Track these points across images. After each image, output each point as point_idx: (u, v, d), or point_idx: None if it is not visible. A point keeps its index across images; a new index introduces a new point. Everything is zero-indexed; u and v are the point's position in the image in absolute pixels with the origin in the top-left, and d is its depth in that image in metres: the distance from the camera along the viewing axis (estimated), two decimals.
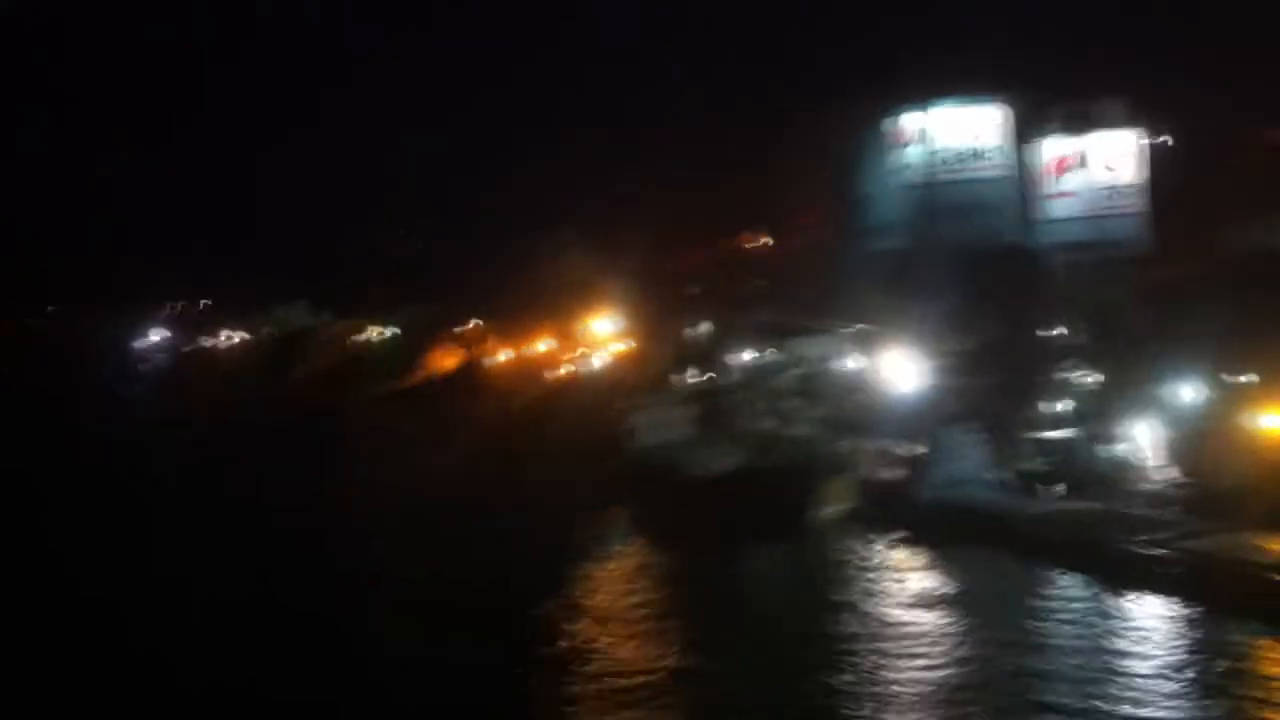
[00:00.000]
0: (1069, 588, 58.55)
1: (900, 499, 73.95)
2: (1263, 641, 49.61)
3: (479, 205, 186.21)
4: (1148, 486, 67.12)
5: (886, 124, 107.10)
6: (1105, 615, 54.94)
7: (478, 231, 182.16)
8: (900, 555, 68.21)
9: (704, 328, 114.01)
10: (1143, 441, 68.66)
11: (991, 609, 57.03)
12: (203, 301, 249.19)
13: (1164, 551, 57.74)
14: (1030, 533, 64.59)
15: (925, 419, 78.97)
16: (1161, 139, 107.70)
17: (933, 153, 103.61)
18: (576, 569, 68.08)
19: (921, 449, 75.09)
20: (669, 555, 71.71)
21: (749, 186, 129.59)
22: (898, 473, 76.89)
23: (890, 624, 55.86)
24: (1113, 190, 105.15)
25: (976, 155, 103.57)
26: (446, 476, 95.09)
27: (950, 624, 55.58)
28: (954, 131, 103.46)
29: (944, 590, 60.73)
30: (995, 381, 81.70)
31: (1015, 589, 59.32)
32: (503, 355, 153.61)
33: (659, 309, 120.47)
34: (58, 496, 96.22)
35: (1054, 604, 56.87)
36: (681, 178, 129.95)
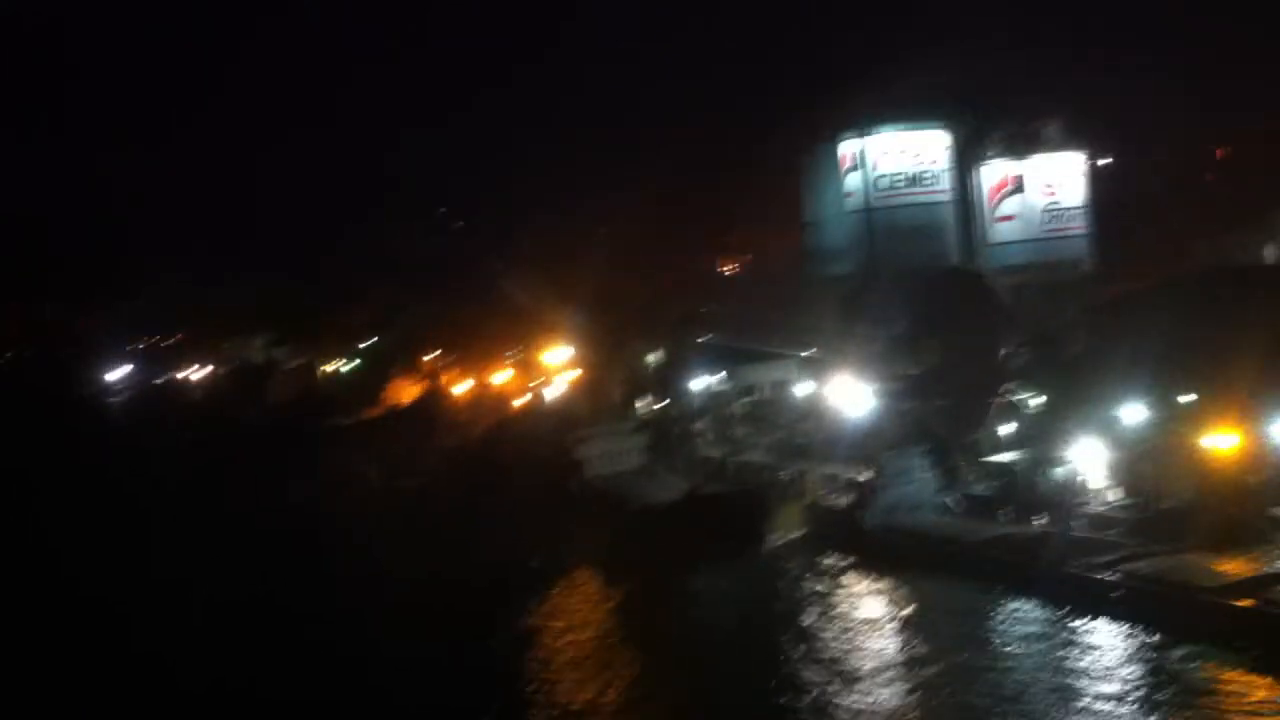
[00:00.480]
0: (1017, 613, 58.73)
1: (849, 525, 73.90)
2: (1208, 665, 49.81)
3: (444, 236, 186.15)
4: (1093, 509, 67.32)
5: (832, 149, 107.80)
6: (1053, 641, 55.14)
7: (444, 265, 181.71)
8: (849, 582, 68.43)
9: (657, 354, 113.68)
10: (1088, 463, 68.84)
11: (940, 636, 57.27)
12: (177, 336, 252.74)
13: (1110, 575, 57.81)
14: (978, 557, 64.66)
15: (872, 444, 79.01)
16: (1105, 160, 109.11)
17: (874, 178, 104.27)
18: (521, 601, 67.63)
19: (869, 474, 74.93)
20: (617, 586, 71.22)
21: (710, 214, 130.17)
22: (846, 498, 76.83)
23: (838, 653, 55.75)
24: (1053, 213, 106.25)
25: (917, 180, 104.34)
26: (394, 508, 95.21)
27: (899, 651, 55.78)
28: (895, 156, 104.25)
29: (893, 617, 60.94)
30: (942, 405, 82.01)
31: (964, 615, 59.58)
32: (464, 385, 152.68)
33: (616, 336, 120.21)
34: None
35: (1002, 630, 57.08)
36: (644, 207, 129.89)
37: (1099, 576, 58.19)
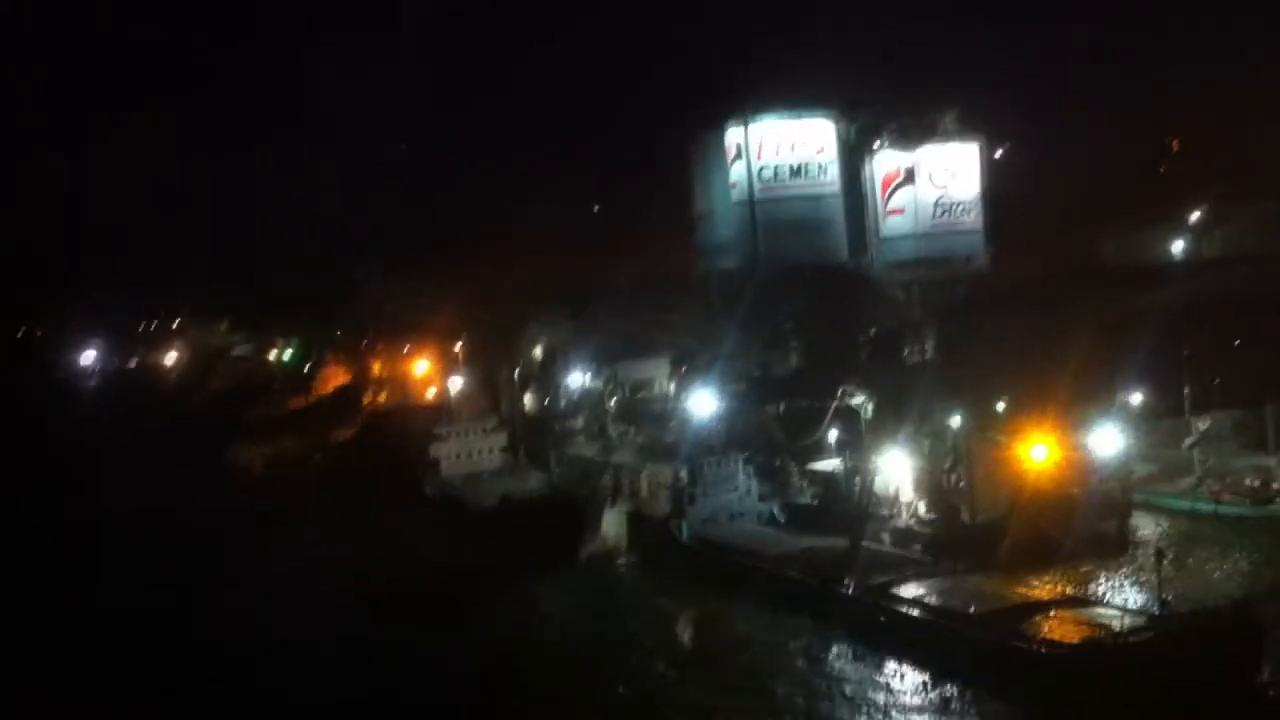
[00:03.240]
0: (788, 635, 55.40)
1: (665, 534, 70.47)
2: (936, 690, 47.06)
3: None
4: (903, 522, 63.65)
5: (720, 137, 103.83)
6: (810, 664, 51.85)
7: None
8: (647, 599, 64.79)
9: (539, 351, 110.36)
10: (900, 474, 65.17)
11: (710, 658, 54.15)
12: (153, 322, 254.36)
13: (880, 599, 54.30)
14: (770, 574, 61.16)
15: (709, 448, 75.52)
16: (1000, 151, 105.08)
17: (757, 168, 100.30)
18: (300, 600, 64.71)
19: (693, 480, 71.48)
20: (424, 591, 67.60)
21: (607, 205, 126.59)
22: (671, 505, 73.31)
23: (614, 680, 52.51)
24: (945, 206, 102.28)
25: (801, 171, 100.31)
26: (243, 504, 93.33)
27: (671, 677, 52.56)
28: (778, 146, 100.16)
29: (677, 640, 57.41)
30: (783, 409, 78.59)
31: (739, 638, 56.20)
32: (385, 377, 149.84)
33: (507, 332, 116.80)
34: None
35: (769, 654, 53.78)
36: (540, 204, 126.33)
37: (870, 599, 54.56)
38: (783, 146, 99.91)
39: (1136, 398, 66.15)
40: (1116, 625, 46.30)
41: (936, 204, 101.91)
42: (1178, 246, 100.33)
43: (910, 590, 54.51)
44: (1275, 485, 67.90)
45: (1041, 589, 54.98)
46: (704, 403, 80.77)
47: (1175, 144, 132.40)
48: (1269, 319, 67.20)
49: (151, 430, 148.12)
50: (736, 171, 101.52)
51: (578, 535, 72.39)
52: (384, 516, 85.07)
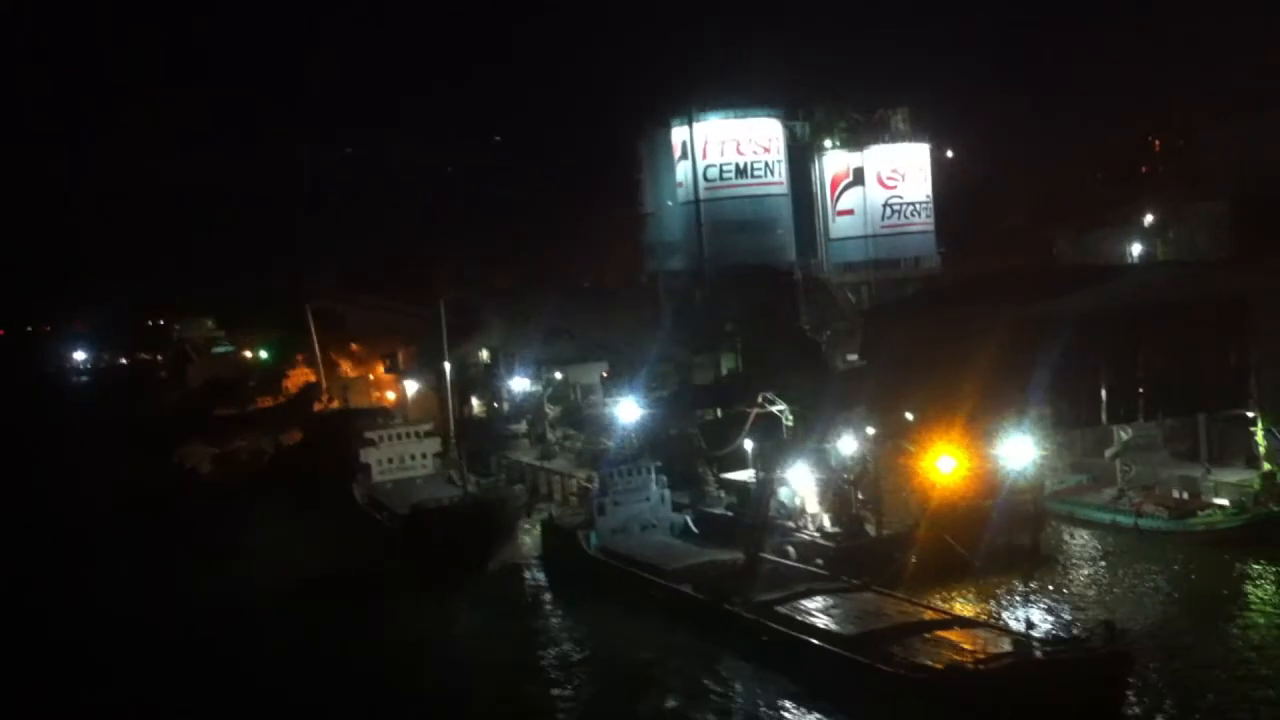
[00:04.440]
0: (671, 654, 53.19)
1: (575, 546, 68.50)
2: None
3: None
4: (808, 535, 61.58)
5: (668, 136, 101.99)
6: (683, 684, 49.78)
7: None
8: (547, 611, 63.08)
9: (485, 354, 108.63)
10: (807, 485, 63.09)
11: (594, 678, 52.48)
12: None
13: (765, 617, 52.25)
14: (666, 589, 59.05)
15: (627, 456, 73.56)
16: (950, 151, 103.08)
17: (702, 168, 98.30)
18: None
19: (603, 489, 69.48)
20: (326, 601, 65.96)
21: (561, 204, 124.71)
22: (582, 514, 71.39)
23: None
24: (895, 207, 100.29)
25: (746, 170, 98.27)
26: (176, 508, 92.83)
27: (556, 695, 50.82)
28: (723, 145, 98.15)
29: (567, 657, 55.50)
30: (708, 416, 76.68)
31: (627, 656, 54.20)
32: (356, 377, 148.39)
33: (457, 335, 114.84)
34: None
35: (640, 674, 51.58)
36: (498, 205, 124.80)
37: (754, 616, 52.50)
38: (728, 146, 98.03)
39: (1058, 405, 63.58)
40: (990, 648, 44.16)
41: (886, 204, 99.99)
42: (1135, 248, 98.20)
43: (796, 608, 52.33)
44: (1200, 497, 65.40)
45: (937, 607, 52.80)
46: (629, 409, 78.82)
47: (1158, 143, 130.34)
48: (1203, 324, 64.64)
49: (119, 426, 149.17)
50: (682, 171, 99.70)
51: (488, 544, 70.26)
52: (307, 522, 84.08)
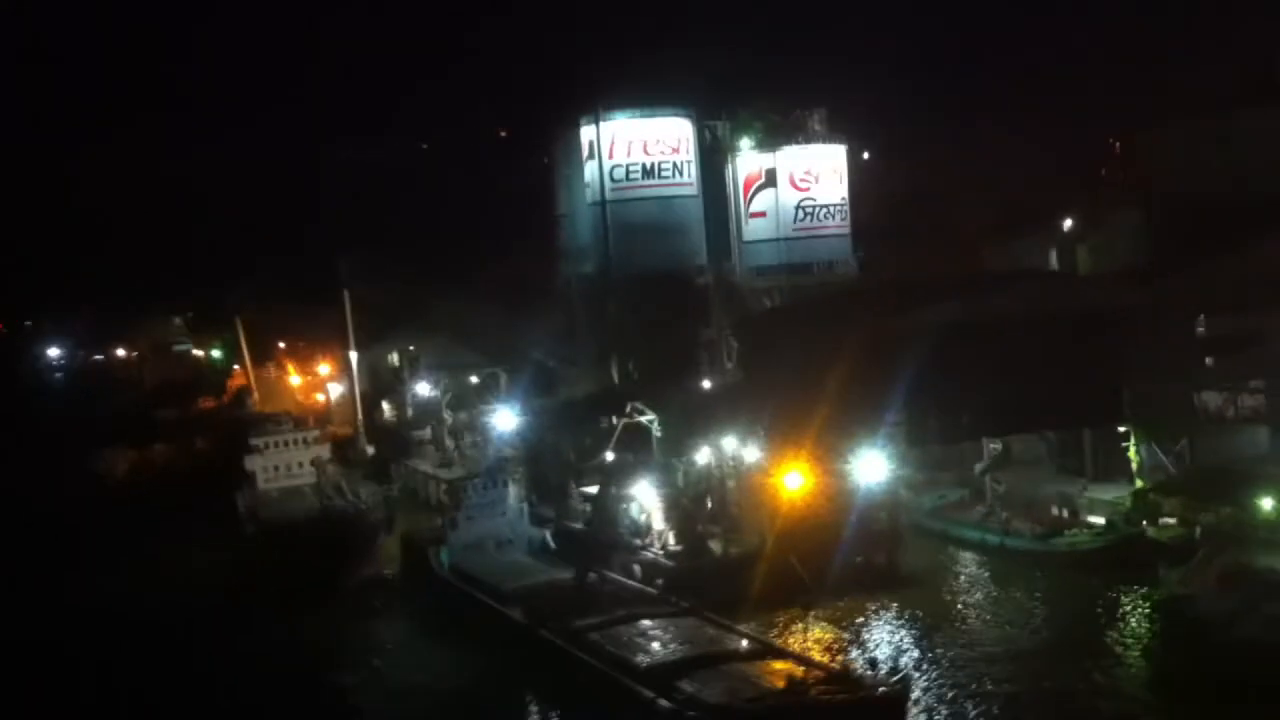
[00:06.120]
0: (488, 683, 50.62)
1: (427, 561, 65.76)
2: None
3: None
4: (651, 554, 58.81)
5: (578, 136, 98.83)
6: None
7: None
8: (379, 636, 60.18)
9: (394, 359, 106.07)
10: (661, 499, 60.25)
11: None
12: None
13: (574, 643, 49.46)
14: (494, 612, 56.27)
15: (491, 469, 70.75)
16: (867, 153, 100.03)
17: (609, 168, 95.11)
18: None
19: (455, 503, 66.69)
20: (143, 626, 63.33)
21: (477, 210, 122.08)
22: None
23: None
24: (808, 209, 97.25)
25: (653, 171, 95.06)
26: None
27: None
28: (630, 145, 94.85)
29: (359, 689, 52.76)
30: (581, 426, 73.85)
31: (428, 688, 51.75)
32: (294, 379, 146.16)
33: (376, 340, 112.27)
34: None
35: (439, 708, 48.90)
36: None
37: (564, 643, 49.70)
38: (635, 146, 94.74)
39: (912, 420, 60.59)
40: (775, 684, 41.33)
41: (799, 207, 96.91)
42: (1053, 257, 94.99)
43: (609, 635, 49.45)
44: (1078, 515, 62.45)
45: (754, 636, 49.66)
46: (505, 418, 76.11)
47: (1117, 146, 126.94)
48: (1073, 338, 61.59)
49: (74, 426, 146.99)
50: (589, 172, 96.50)
51: (339, 562, 67.48)
52: (181, 534, 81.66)
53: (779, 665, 44.45)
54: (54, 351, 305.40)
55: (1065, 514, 63.42)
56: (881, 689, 39.11)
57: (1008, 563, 60.35)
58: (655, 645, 47.98)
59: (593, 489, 65.79)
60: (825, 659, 47.40)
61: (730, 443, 60.72)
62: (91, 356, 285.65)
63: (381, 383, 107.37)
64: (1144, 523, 57.73)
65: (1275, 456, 57.47)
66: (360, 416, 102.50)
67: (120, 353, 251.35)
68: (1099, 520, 61.33)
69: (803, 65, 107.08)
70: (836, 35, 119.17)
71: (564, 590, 56.85)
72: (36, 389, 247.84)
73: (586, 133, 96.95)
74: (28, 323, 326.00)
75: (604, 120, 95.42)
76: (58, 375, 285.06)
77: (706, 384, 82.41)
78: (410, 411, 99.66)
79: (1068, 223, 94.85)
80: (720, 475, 59.22)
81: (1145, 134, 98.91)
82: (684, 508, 58.26)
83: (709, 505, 59.14)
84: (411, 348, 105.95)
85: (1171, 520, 56.32)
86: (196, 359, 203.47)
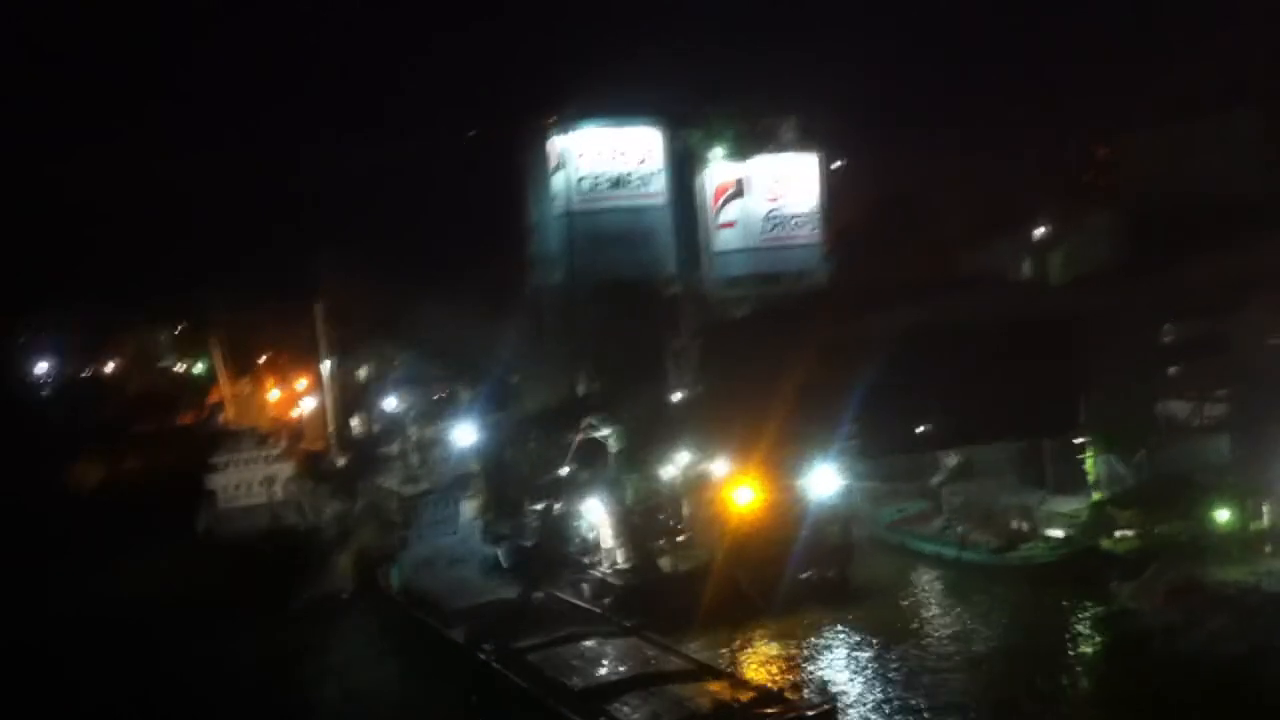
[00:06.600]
0: (411, 707, 49.25)
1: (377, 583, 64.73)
2: None
3: None
4: (599, 572, 57.65)
5: (543, 148, 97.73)
6: None
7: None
8: (323, 659, 58.62)
9: (364, 373, 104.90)
10: (609, 516, 59.15)
11: None
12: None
13: (510, 665, 48.46)
14: (438, 634, 55.21)
15: (445, 486, 69.75)
16: (838, 162, 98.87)
17: (576, 178, 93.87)
18: None
19: (406, 521, 65.62)
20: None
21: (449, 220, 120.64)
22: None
23: None
24: (776, 219, 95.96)
25: (621, 181, 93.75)
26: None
27: None
28: (597, 155, 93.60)
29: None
30: (539, 441, 72.73)
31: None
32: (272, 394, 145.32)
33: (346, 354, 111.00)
34: None
35: None
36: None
37: (499, 665, 48.61)
38: (603, 156, 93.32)
39: (865, 431, 59.43)
40: (705, 706, 40.24)
41: (767, 217, 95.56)
42: (1025, 264, 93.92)
43: (548, 655, 48.43)
44: (1037, 527, 61.24)
45: (691, 657, 48.45)
46: (464, 432, 75.01)
47: (1102, 151, 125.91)
48: (1030, 347, 60.42)
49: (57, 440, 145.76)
50: (557, 182, 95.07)
51: (295, 577, 66.39)
52: (143, 550, 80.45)
53: (714, 686, 43.36)
54: (43, 366, 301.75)
55: (1024, 526, 62.13)
56: (810, 711, 37.97)
57: (964, 576, 59.23)
58: (591, 667, 46.81)
59: (541, 506, 64.68)
60: (766, 677, 46.24)
61: (685, 457, 59.55)
62: (80, 372, 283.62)
63: (352, 397, 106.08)
64: (1099, 535, 56.61)
65: (1235, 466, 56.26)
66: (332, 431, 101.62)
67: (109, 367, 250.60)
68: (1057, 533, 60.08)
69: (775, 72, 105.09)
70: (810, 41, 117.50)
71: (509, 609, 55.76)
72: (22, 402, 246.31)
73: (554, 143, 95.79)
74: (21, 340, 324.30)
75: (572, 130, 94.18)
76: (43, 392, 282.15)
77: (676, 396, 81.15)
78: (376, 426, 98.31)
79: (1039, 230, 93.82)
80: (673, 490, 58.03)
81: (1119, 138, 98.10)
82: (634, 524, 57.00)
83: (661, 521, 57.89)
84: (374, 364, 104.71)
85: (1129, 532, 55.20)
86: (177, 374, 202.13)
